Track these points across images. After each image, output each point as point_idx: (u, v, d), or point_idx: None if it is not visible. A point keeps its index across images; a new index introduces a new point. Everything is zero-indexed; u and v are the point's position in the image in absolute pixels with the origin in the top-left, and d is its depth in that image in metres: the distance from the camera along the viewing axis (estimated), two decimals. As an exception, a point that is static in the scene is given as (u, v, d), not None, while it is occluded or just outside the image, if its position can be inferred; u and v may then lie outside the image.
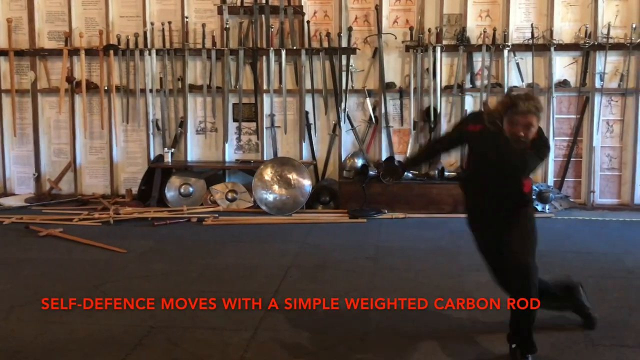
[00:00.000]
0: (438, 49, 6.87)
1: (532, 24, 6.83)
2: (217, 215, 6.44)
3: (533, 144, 3.28)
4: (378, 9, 6.96)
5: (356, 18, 7.09)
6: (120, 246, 5.39)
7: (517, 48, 6.87)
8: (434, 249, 5.40)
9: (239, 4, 7.06)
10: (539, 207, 6.71)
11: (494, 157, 3.37)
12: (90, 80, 7.30)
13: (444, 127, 7.03)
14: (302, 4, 7.06)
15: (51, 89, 7.34)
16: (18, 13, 7.31)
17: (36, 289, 4.45)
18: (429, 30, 6.94)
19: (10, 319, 3.95)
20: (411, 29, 6.97)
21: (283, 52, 7.02)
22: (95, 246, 5.46)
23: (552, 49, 6.78)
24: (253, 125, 7.25)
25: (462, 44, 6.87)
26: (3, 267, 4.96)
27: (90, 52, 7.21)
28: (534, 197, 6.63)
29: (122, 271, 4.81)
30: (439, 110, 6.95)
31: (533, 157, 3.31)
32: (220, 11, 7.10)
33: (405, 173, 6.60)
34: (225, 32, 7.09)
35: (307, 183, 6.63)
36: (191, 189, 6.94)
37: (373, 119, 7.06)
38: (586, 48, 6.77)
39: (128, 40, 7.19)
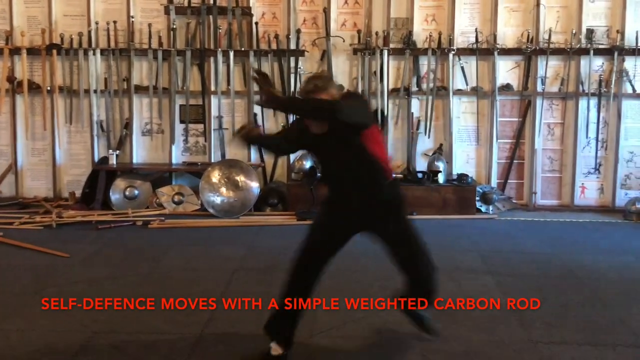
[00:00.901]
0: (385, 52, 6.95)
1: (476, 29, 6.98)
2: (163, 218, 6.36)
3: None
4: (326, 11, 6.99)
5: (305, 20, 7.11)
6: (63, 250, 5.27)
7: (462, 52, 7.01)
8: (375, 250, 5.39)
9: (186, 4, 6.99)
10: (483, 209, 6.85)
11: (328, 149, 3.19)
12: (32, 80, 7.12)
13: (391, 129, 7.12)
14: (251, 5, 7.04)
15: (-10, 88, 7.13)
16: (-44, 11, 7.08)
17: (-28, 295, 4.32)
18: (377, 33, 7.02)
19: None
20: (359, 32, 7.03)
21: (231, 54, 6.99)
22: (36, 250, 5.32)
23: (496, 53, 6.94)
24: (200, 127, 7.19)
25: (408, 48, 6.97)
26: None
27: (33, 52, 7.03)
28: (477, 198, 6.79)
29: (64, 276, 4.70)
30: (386, 113, 7.03)
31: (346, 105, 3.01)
32: (167, 11, 7.03)
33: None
34: (172, 32, 7.01)
35: (255, 185, 6.60)
36: (137, 192, 6.83)
37: (321, 121, 7.07)
38: (528, 53, 6.96)
39: (72, 39, 7.04)
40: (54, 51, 7.01)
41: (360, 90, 6.99)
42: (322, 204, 3.57)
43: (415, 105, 7.13)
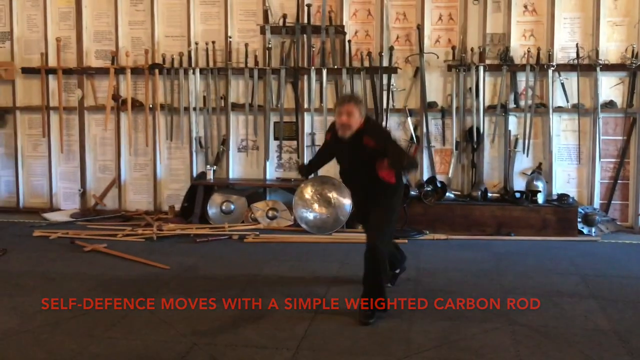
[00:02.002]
0: (481, 68, 6.83)
1: (577, 44, 6.74)
2: (257, 232, 6.46)
3: (373, 142, 4.13)
4: (420, 28, 6.95)
5: (397, 37, 7.10)
6: (163, 262, 5.45)
7: (562, 68, 6.78)
8: (475, 271, 5.32)
9: (281, 24, 7.13)
10: (585, 230, 6.56)
11: (345, 156, 4.31)
12: (136, 98, 7.44)
13: (487, 147, 6.96)
14: (344, 23, 7.10)
15: (97, 106, 7.51)
16: (67, 32, 7.51)
17: (81, 304, 4.52)
18: (472, 49, 6.90)
19: (56, 333, 4.01)
20: (453, 48, 6.94)
21: (324, 71, 7.06)
22: (138, 262, 5.53)
23: (598, 69, 6.67)
24: (294, 143, 7.29)
25: (505, 64, 6.81)
26: (49, 281, 5.05)
27: (136, 71, 7.36)
28: (579, 220, 6.52)
29: (165, 287, 4.85)
30: (481, 131, 6.89)
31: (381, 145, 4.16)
32: (262, 31, 7.19)
33: (447, 194, 6.67)
34: (267, 51, 7.16)
35: (347, 202, 6.61)
36: (232, 207, 6.99)
37: (414, 139, 7.03)
38: (633, 68, 6.65)
39: (173, 59, 7.32)
40: (156, 70, 7.31)
41: (455, 107, 6.89)
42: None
43: (513, 122, 6.95)
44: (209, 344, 3.85)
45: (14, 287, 4.90)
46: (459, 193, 6.86)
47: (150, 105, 7.37)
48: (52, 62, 7.47)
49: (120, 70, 7.38)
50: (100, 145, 7.61)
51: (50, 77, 7.51)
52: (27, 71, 7.52)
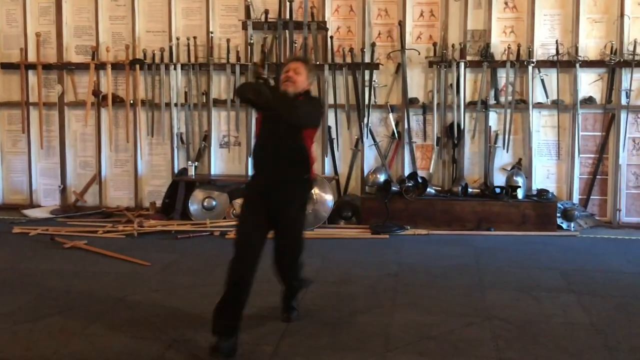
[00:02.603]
0: (462, 65, 6.86)
1: (557, 41, 6.80)
2: (239, 229, 6.45)
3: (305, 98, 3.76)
4: (401, 24, 6.97)
5: (379, 34, 7.11)
6: (144, 259, 5.43)
7: (542, 64, 6.84)
8: (456, 266, 5.36)
9: (263, 19, 7.12)
10: (564, 225, 6.63)
11: (275, 120, 3.67)
12: (116, 94, 7.39)
13: (468, 143, 7.01)
14: (326, 19, 7.10)
15: (78, 102, 7.45)
16: (47, 27, 7.44)
17: (61, 300, 4.50)
18: (453, 46, 6.93)
19: (34, 331, 3.98)
20: (435, 44, 6.97)
21: (306, 67, 7.05)
22: (119, 258, 5.50)
23: (577, 65, 6.73)
24: (276, 139, 7.27)
25: (486, 60, 6.86)
26: (28, 278, 5.02)
27: (117, 67, 7.31)
28: (558, 215, 6.60)
29: (146, 284, 4.83)
30: (462, 126, 6.93)
31: (304, 104, 3.73)
32: (244, 26, 7.17)
33: (428, 189, 6.65)
34: (249, 47, 7.15)
35: (329, 198, 6.62)
36: (214, 203, 6.97)
37: (396, 135, 7.06)
38: (612, 65, 6.72)
39: (154, 54, 7.28)
40: (137, 66, 7.27)
41: (436, 103, 6.92)
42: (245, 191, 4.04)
43: (493, 118, 7.00)
44: (189, 340, 3.84)
45: (-5, 284, 4.86)
46: (439, 188, 6.90)
47: (131, 101, 7.33)
48: (31, 58, 7.40)
49: (101, 66, 7.33)
50: (80, 141, 7.56)
51: (30, 72, 7.44)
52: (6, 66, 7.44)
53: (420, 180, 6.78)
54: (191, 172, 7.11)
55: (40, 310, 4.29)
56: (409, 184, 6.68)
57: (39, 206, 7.47)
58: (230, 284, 3.65)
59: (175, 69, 7.24)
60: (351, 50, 7.07)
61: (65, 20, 7.41)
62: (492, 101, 6.96)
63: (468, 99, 6.99)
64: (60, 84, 7.43)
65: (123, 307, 4.37)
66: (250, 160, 7.08)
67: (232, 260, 3.68)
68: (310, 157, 3.84)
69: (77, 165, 7.58)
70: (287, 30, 7.11)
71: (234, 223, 6.64)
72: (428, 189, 6.75)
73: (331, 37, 7.09)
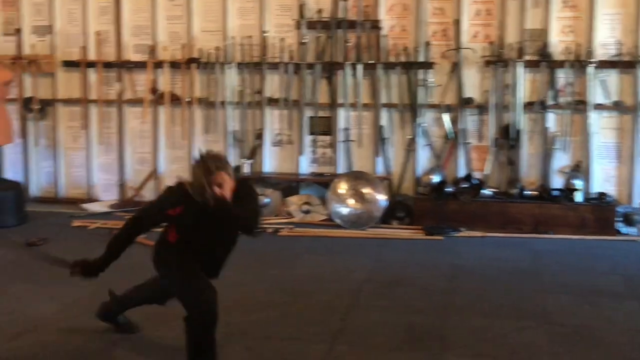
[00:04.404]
0: (519, 65, 6.74)
1: (618, 40, 6.60)
2: (292, 226, 6.49)
3: (237, 197, 3.31)
4: (457, 23, 6.89)
5: (434, 32, 7.03)
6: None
7: (602, 65, 6.65)
8: (512, 269, 5.27)
9: (316, 19, 7.13)
10: (624, 230, 6.44)
11: (212, 228, 3.36)
12: (173, 92, 7.52)
13: (525, 144, 6.85)
14: (380, 18, 7.07)
15: (136, 100, 7.60)
16: (106, 27, 7.61)
17: (118, 292, 4.59)
18: (510, 45, 6.81)
19: (94, 321, 4.08)
20: (491, 43, 6.86)
21: (359, 67, 7.04)
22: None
23: (639, 66, 6.53)
24: (328, 138, 7.29)
25: (544, 60, 6.71)
26: (88, 270, 5.14)
27: (174, 65, 7.42)
28: (619, 219, 6.43)
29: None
30: (519, 128, 6.80)
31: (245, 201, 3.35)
32: (298, 26, 7.20)
33: (483, 191, 6.55)
34: (302, 46, 7.17)
35: (381, 198, 6.59)
36: (267, 200, 7.02)
37: (450, 135, 6.97)
38: (676, 65, 6.49)
39: (209, 53, 7.37)
40: (193, 65, 7.37)
41: (492, 103, 6.81)
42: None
43: (551, 120, 6.85)
44: (244, 334, 3.89)
45: (54, 276, 4.96)
46: (495, 190, 6.79)
47: (188, 99, 7.44)
48: (92, 56, 7.58)
49: (158, 64, 7.45)
50: (138, 137, 7.69)
51: (91, 70, 7.63)
52: (67, 64, 7.64)
53: (475, 182, 6.68)
54: (245, 169, 7.18)
55: (99, 302, 4.39)
56: (464, 185, 6.59)
57: (98, 200, 7.65)
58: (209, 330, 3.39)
59: (230, 67, 7.32)
60: (405, 49, 7.01)
61: (125, 19, 7.57)
62: (550, 102, 6.80)
63: (525, 100, 6.85)
64: (119, 81, 7.59)
65: (176, 301, 4.44)
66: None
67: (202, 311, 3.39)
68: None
69: (135, 161, 7.72)
70: (340, 30, 7.10)
71: (286, 220, 6.76)
72: (483, 191, 6.64)
73: (385, 36, 7.06)
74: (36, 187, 7.85)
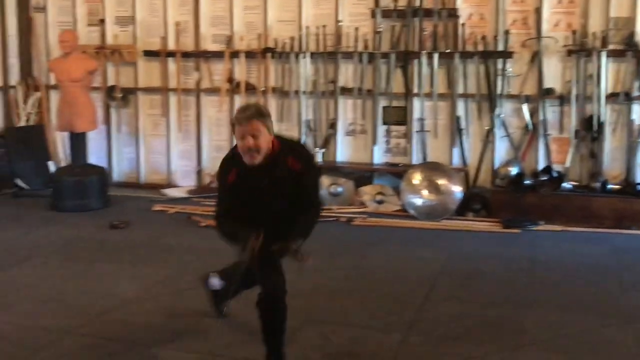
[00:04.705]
0: (603, 54, 6.48)
1: None
2: (365, 216, 6.49)
3: (300, 166, 3.14)
4: (538, 11, 6.68)
5: (514, 21, 6.85)
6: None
7: (694, 54, 6.33)
8: (593, 265, 5.10)
9: (392, 7, 7.07)
10: None
11: (262, 193, 3.14)
12: (249, 81, 7.63)
13: (608, 136, 6.60)
14: (457, 6, 6.94)
15: (213, 89, 7.75)
16: (185, 17, 7.77)
17: (198, 275, 4.72)
18: (594, 34, 6.56)
19: (176, 301, 4.24)
20: (574, 32, 6.63)
21: (435, 56, 6.95)
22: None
23: None
24: (402, 128, 7.23)
25: (630, 49, 6.44)
26: (169, 252, 5.33)
27: (250, 55, 7.53)
28: None
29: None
30: (602, 119, 6.56)
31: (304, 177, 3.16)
32: (373, 15, 7.15)
33: (563, 184, 6.38)
34: (377, 35, 7.13)
35: (457, 189, 6.50)
36: (340, 189, 7.04)
37: (530, 126, 6.80)
38: None
39: (284, 43, 7.43)
40: (268, 54, 7.46)
41: (574, 94, 6.59)
42: None
43: (637, 111, 6.56)
44: (318, 321, 3.93)
45: (136, 258, 5.20)
46: (576, 184, 6.57)
47: (262, 88, 7.54)
48: (171, 46, 7.77)
49: (235, 54, 7.57)
50: (215, 125, 7.85)
51: (170, 60, 7.82)
52: (148, 54, 7.86)
53: (555, 175, 6.49)
54: (318, 158, 7.22)
55: (180, 284, 4.54)
56: (544, 178, 6.41)
57: (177, 186, 7.85)
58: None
59: (304, 57, 7.36)
60: (483, 38, 6.86)
61: (203, 10, 7.72)
62: (635, 93, 6.52)
63: (609, 90, 6.59)
64: (197, 71, 7.77)
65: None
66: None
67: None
68: None
69: (212, 149, 7.87)
70: (416, 18, 7.02)
71: (360, 209, 6.76)
72: (564, 184, 6.45)
73: (462, 25, 6.93)
74: (118, 172, 8.15)
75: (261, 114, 3.08)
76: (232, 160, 3.18)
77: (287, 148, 3.20)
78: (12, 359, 3.44)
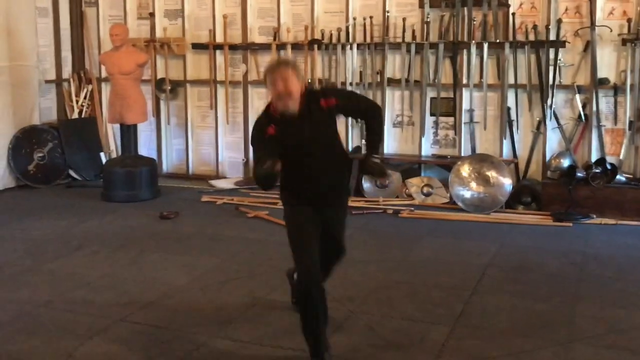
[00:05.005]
0: (660, 43, 6.27)
1: None
2: (412, 208, 6.42)
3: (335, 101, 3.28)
4: (592, -1, 6.51)
5: (566, 9, 6.67)
6: (319, 232, 5.58)
7: None
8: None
9: (441, -4, 6.98)
10: None
11: (305, 138, 3.24)
12: (296, 72, 7.63)
13: (664, 128, 6.40)
14: (508, -5, 6.81)
15: (260, 81, 7.76)
16: (233, 10, 7.82)
17: (245, 265, 4.78)
18: (651, 22, 6.36)
19: (223, 291, 4.28)
20: (629, 21, 6.42)
21: (485, 46, 6.82)
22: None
23: None
24: (451, 120, 7.13)
25: (689, 37, 6.21)
26: (217, 243, 5.39)
27: (296, 47, 7.53)
28: None
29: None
30: (659, 109, 6.35)
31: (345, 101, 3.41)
32: (421, 4, 7.06)
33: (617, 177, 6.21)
34: (425, 25, 7.04)
35: (507, 182, 6.38)
36: (387, 181, 7.00)
37: (582, 117, 6.62)
38: None
39: (331, 35, 7.41)
40: (315, 46, 7.45)
41: (629, 84, 6.38)
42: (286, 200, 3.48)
43: (696, 101, 6.34)
44: (366, 313, 3.92)
45: (185, 247, 5.28)
46: (631, 176, 6.38)
47: (309, 80, 7.53)
48: (219, 38, 7.84)
49: (282, 46, 7.58)
50: (261, 117, 7.91)
51: (218, 52, 7.90)
52: (196, 47, 7.95)
53: (609, 167, 6.31)
54: (363, 150, 7.18)
55: (228, 274, 4.59)
56: (597, 170, 6.23)
57: (225, 177, 7.93)
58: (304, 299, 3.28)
59: (351, 48, 7.32)
60: (535, 27, 6.70)
61: (250, 2, 7.75)
62: (695, 82, 6.30)
63: (667, 80, 6.38)
64: (244, 63, 7.82)
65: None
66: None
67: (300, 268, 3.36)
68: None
69: (259, 141, 7.94)
70: (465, 8, 6.90)
71: (407, 202, 6.72)
72: (618, 176, 6.26)
73: (513, 14, 6.78)
74: (168, 163, 8.28)
75: (289, 62, 3.38)
76: (266, 118, 3.28)
77: (316, 93, 3.40)
78: (65, 345, 3.53)
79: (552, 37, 6.62)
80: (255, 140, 3.31)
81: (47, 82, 8.08)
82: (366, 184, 7.01)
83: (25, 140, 7.56)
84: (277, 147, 3.21)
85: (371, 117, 3.49)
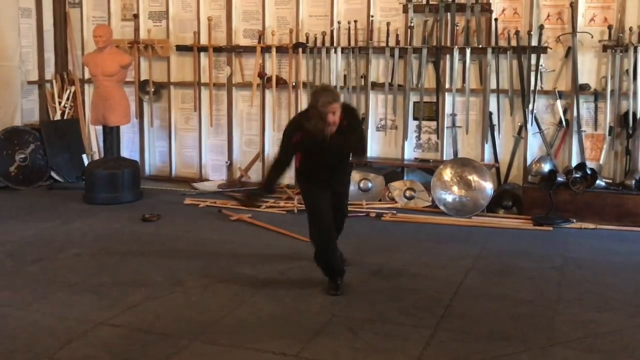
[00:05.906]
0: (640, 50, 6.37)
1: None
2: (395, 212, 6.47)
3: (347, 123, 4.12)
4: (573, 6, 6.57)
5: (548, 15, 6.75)
6: (303, 234, 5.56)
7: None
8: (628, 263, 5.02)
9: (424, 2, 7.02)
10: None
11: (326, 148, 4.12)
12: (280, 76, 7.65)
13: (644, 133, 6.50)
14: (491, 1, 6.86)
15: (244, 83, 7.80)
16: (217, 12, 7.82)
17: (229, 268, 4.78)
18: (630, 29, 6.43)
19: (206, 295, 4.27)
20: (610, 27, 6.51)
21: (468, 51, 6.88)
22: (281, 233, 5.71)
23: None
24: (433, 124, 7.18)
25: (668, 44, 6.30)
26: (200, 246, 5.38)
27: (281, 50, 7.54)
28: None
29: (306, 259, 4.96)
30: (638, 116, 6.43)
31: (352, 130, 4.21)
32: (405, 9, 7.11)
33: (597, 181, 6.27)
34: (409, 30, 7.09)
35: (488, 186, 6.44)
36: (370, 184, 7.03)
37: (563, 122, 6.69)
38: None
39: (316, 38, 7.43)
40: (300, 49, 7.46)
41: (609, 90, 6.47)
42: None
43: (674, 107, 6.43)
44: (348, 317, 3.93)
45: (167, 251, 5.26)
46: (610, 181, 6.46)
47: (294, 83, 7.55)
48: (203, 41, 7.83)
49: (266, 49, 7.59)
50: (246, 120, 7.89)
51: (202, 54, 7.88)
52: (180, 49, 7.93)
53: (589, 172, 6.39)
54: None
55: (211, 277, 4.59)
56: (577, 175, 6.31)
57: (208, 180, 7.92)
58: (321, 247, 4.33)
59: (335, 52, 7.35)
60: (517, 33, 6.77)
61: (235, 4, 7.75)
62: (674, 89, 6.39)
63: (646, 86, 6.46)
64: (228, 65, 7.82)
65: (285, 279, 4.57)
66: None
67: (318, 232, 4.35)
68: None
69: (243, 143, 7.93)
70: (448, 13, 6.96)
71: (389, 205, 6.75)
72: (597, 181, 6.34)
73: (495, 20, 6.85)
74: (150, 165, 8.26)
75: (338, 96, 4.13)
76: (297, 125, 4.20)
77: (346, 113, 4.17)
78: (46, 349, 3.51)
79: (534, 42, 6.70)
80: (283, 143, 4.29)
81: (29, 83, 8.03)
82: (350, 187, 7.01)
83: (7, 141, 7.50)
84: (299, 150, 4.22)
85: (353, 154, 4.47)
